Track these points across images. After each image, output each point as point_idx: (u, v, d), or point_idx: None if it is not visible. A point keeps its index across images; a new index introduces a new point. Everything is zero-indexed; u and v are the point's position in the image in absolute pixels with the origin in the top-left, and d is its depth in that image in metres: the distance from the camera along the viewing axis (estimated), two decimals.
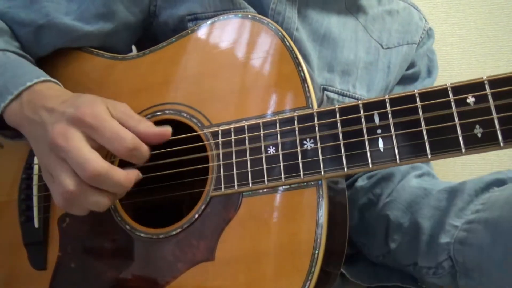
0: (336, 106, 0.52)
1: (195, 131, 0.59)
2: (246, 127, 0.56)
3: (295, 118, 0.54)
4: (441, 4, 1.19)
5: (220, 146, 0.57)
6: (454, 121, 0.47)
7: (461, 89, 0.47)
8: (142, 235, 0.59)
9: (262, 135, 0.55)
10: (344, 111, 0.52)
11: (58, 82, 0.60)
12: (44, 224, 0.65)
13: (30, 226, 0.65)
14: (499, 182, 0.62)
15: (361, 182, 0.78)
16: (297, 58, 0.56)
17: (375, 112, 0.50)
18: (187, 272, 0.56)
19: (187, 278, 0.55)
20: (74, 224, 0.63)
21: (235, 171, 0.55)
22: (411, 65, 0.85)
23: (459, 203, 0.62)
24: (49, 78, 0.59)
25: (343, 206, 0.58)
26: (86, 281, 0.61)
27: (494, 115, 0.45)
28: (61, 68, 0.68)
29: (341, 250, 0.57)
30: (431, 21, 0.89)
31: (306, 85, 0.55)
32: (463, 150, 0.46)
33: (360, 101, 0.51)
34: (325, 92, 0.73)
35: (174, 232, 0.57)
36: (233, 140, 0.56)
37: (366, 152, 0.50)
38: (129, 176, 0.54)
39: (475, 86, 0.46)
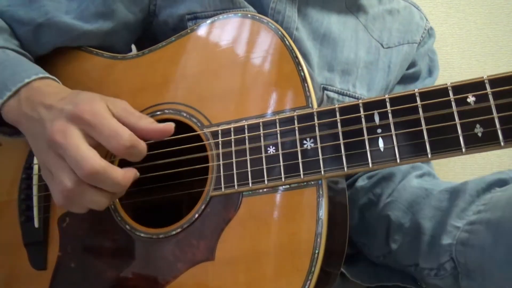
0: (336, 106, 0.52)
1: (195, 131, 0.59)
2: (246, 126, 0.56)
3: (295, 117, 0.54)
4: (441, 4, 1.19)
5: (220, 146, 0.57)
6: (455, 120, 0.47)
7: (461, 88, 0.47)
8: (142, 235, 0.59)
9: (262, 134, 0.55)
10: (344, 110, 0.52)
11: (56, 79, 0.60)
12: (44, 224, 0.65)
13: (30, 226, 0.65)
14: (501, 182, 0.61)
15: (361, 182, 0.78)
16: (297, 57, 0.56)
17: (375, 112, 0.50)
18: (187, 272, 0.56)
19: (187, 278, 0.55)
20: (74, 224, 0.63)
21: (235, 171, 0.55)
22: (412, 64, 0.85)
23: (460, 203, 0.61)
24: (47, 75, 0.59)
25: (343, 206, 0.58)
26: (86, 281, 0.61)
27: (495, 114, 0.45)
28: (60, 68, 0.68)
29: (341, 250, 0.57)
30: (431, 21, 0.88)
31: (306, 84, 0.55)
32: (463, 150, 0.46)
33: (360, 101, 0.51)
34: (325, 92, 0.73)
35: (174, 232, 0.57)
36: (233, 140, 0.56)
37: (366, 151, 0.50)
38: (127, 175, 0.53)
39: (475, 86, 0.46)
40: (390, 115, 0.50)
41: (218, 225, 0.55)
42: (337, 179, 0.57)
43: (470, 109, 0.46)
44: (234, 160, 0.56)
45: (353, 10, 0.78)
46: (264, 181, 0.54)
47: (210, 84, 0.60)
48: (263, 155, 0.54)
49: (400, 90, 0.77)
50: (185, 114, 0.60)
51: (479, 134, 0.46)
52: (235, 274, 0.53)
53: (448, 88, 0.47)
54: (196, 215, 0.56)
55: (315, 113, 0.53)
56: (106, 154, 0.60)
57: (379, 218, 0.71)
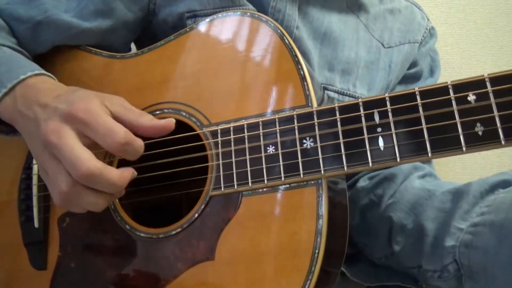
0: (336, 105, 0.52)
1: (194, 130, 0.59)
2: (245, 126, 0.56)
3: (295, 116, 0.54)
4: (441, 4, 1.19)
5: (220, 145, 0.57)
6: (455, 119, 0.46)
7: (462, 86, 0.47)
8: (142, 235, 0.59)
9: (261, 134, 0.55)
10: (344, 109, 0.52)
11: (52, 76, 0.60)
12: (44, 224, 0.65)
13: (30, 226, 0.65)
14: (505, 183, 0.61)
15: (362, 183, 0.77)
16: (296, 56, 0.56)
17: (375, 111, 0.50)
18: (187, 272, 0.55)
19: (187, 277, 0.55)
20: (74, 224, 0.63)
21: (234, 171, 0.55)
22: (413, 64, 0.84)
23: (464, 205, 0.61)
24: (43, 71, 0.59)
25: (343, 206, 0.57)
26: (87, 281, 0.61)
27: (495, 113, 0.45)
28: (59, 66, 0.68)
29: (342, 249, 0.57)
30: (431, 21, 0.88)
31: (305, 83, 0.55)
32: (464, 149, 0.46)
33: (360, 99, 0.51)
34: (325, 92, 0.73)
35: (174, 232, 0.57)
36: (232, 139, 0.56)
37: (366, 150, 0.50)
38: (124, 175, 0.53)
39: (476, 84, 0.46)
40: (390, 114, 0.49)
41: (218, 225, 0.55)
42: (337, 179, 0.57)
43: (471, 108, 0.46)
44: (233, 159, 0.55)
45: (354, 9, 0.77)
46: (263, 180, 0.53)
47: (209, 83, 0.60)
48: (263, 154, 0.54)
49: None
50: (184, 114, 0.60)
51: (480, 133, 0.46)
52: (235, 274, 0.53)
53: (449, 86, 0.47)
54: (196, 215, 0.56)
55: (314, 112, 0.53)
56: (105, 155, 0.60)
57: (381, 219, 0.70)
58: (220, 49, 0.61)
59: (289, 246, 0.52)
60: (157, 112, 0.62)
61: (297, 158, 0.53)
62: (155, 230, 0.58)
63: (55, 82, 0.59)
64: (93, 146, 0.52)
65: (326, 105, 0.53)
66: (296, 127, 0.53)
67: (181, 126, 0.59)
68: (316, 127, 0.52)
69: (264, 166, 0.54)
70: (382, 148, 0.49)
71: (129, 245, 0.59)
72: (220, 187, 0.56)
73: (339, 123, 0.51)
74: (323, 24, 0.73)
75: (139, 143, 0.53)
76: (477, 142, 0.45)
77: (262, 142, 0.55)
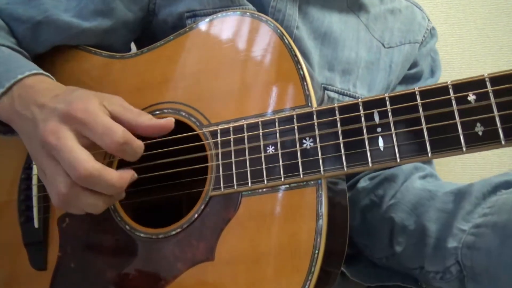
0: (336, 105, 0.52)
1: (194, 130, 0.59)
2: (245, 126, 0.56)
3: (294, 117, 0.54)
4: (441, 4, 1.19)
5: (219, 146, 0.57)
6: (455, 119, 0.46)
7: (462, 86, 0.47)
8: (141, 235, 0.59)
9: (261, 134, 0.55)
10: (343, 109, 0.52)
11: (50, 75, 0.60)
12: (44, 224, 0.65)
13: (30, 226, 0.65)
14: (507, 184, 0.61)
15: (363, 183, 0.77)
16: (296, 56, 0.56)
17: (375, 111, 0.50)
18: (186, 272, 0.55)
19: (187, 278, 0.55)
20: (74, 224, 0.63)
21: (234, 171, 0.55)
22: (414, 64, 0.84)
23: (466, 206, 0.61)
24: (41, 71, 0.59)
25: (343, 206, 0.57)
26: (86, 281, 0.61)
27: (496, 113, 0.45)
28: (59, 67, 0.68)
29: (342, 250, 0.57)
30: (431, 21, 0.88)
31: (305, 83, 0.55)
32: (464, 149, 0.46)
33: (359, 99, 0.51)
34: (325, 92, 0.73)
35: (173, 232, 0.57)
36: (232, 140, 0.56)
37: (366, 151, 0.50)
38: (123, 176, 0.52)
39: (476, 84, 0.46)
40: (390, 114, 0.49)
41: (217, 225, 0.55)
42: (337, 179, 0.57)
43: (471, 108, 0.46)
44: (233, 159, 0.55)
45: (355, 9, 0.77)
46: (263, 180, 0.53)
47: (209, 83, 0.60)
48: (262, 154, 0.54)
49: None
50: (184, 114, 0.60)
51: (480, 133, 0.45)
52: (235, 274, 0.53)
53: (449, 86, 0.47)
54: (196, 215, 0.56)
55: (314, 112, 0.53)
56: (105, 155, 0.60)
57: (382, 220, 0.70)
58: (220, 49, 0.61)
59: (289, 246, 0.51)
60: (157, 112, 0.62)
61: (297, 158, 0.52)
62: (155, 230, 0.58)
63: (53, 82, 0.59)
64: (92, 146, 0.52)
65: (325, 105, 0.53)
66: (295, 127, 0.53)
67: (181, 126, 0.59)
68: (316, 127, 0.52)
69: (263, 166, 0.54)
70: (382, 148, 0.49)
71: (129, 246, 0.59)
72: (220, 187, 0.55)
73: (339, 123, 0.51)
74: (323, 24, 0.73)
75: (138, 144, 0.53)
76: (477, 142, 0.45)
77: (261, 142, 0.54)
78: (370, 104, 0.50)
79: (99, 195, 0.52)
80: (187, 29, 0.64)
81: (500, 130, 0.45)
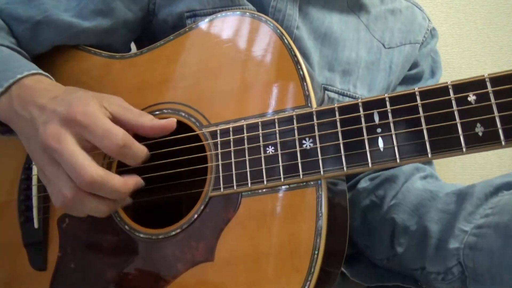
0: (336, 105, 0.52)
1: (194, 131, 0.59)
2: (244, 126, 0.56)
3: (294, 117, 0.54)
4: (441, 4, 1.19)
5: (219, 146, 0.57)
6: (455, 119, 0.46)
7: (462, 87, 0.47)
8: (141, 235, 0.59)
9: (260, 134, 0.55)
10: (343, 110, 0.52)
11: (49, 75, 0.60)
12: (44, 224, 0.65)
13: (29, 226, 0.65)
14: (509, 185, 0.60)
15: (363, 184, 0.77)
16: (295, 56, 0.56)
17: (375, 111, 0.50)
18: (186, 273, 0.55)
19: (187, 278, 0.55)
20: (74, 225, 0.63)
21: (234, 171, 0.55)
22: (414, 65, 0.84)
23: (468, 207, 0.61)
24: (40, 71, 0.59)
25: (343, 206, 0.57)
26: (86, 282, 0.61)
27: (496, 113, 0.45)
28: (58, 67, 0.68)
29: (341, 250, 0.57)
30: (431, 22, 0.88)
31: (305, 83, 0.55)
32: (464, 149, 0.46)
33: (359, 100, 0.51)
34: (326, 92, 0.73)
35: (173, 233, 0.57)
36: (231, 140, 0.56)
37: (365, 151, 0.50)
38: (127, 183, 0.53)
39: (476, 84, 0.46)
40: (389, 115, 0.49)
41: (217, 226, 0.55)
42: (337, 180, 0.57)
43: (471, 108, 0.46)
44: (233, 160, 0.55)
45: (355, 9, 0.77)
46: (263, 181, 0.53)
47: (209, 83, 0.60)
48: (262, 155, 0.54)
49: None
50: (183, 114, 0.60)
51: (480, 134, 0.45)
52: (235, 274, 0.53)
53: (449, 86, 0.47)
54: (196, 216, 0.56)
55: (314, 113, 0.53)
56: (104, 156, 0.60)
57: (383, 220, 0.70)
58: (220, 49, 0.60)
59: (288, 246, 0.52)
60: (157, 112, 0.62)
61: (297, 159, 0.52)
62: (155, 231, 0.58)
63: (52, 82, 0.59)
64: (93, 149, 0.52)
65: (325, 106, 0.53)
66: (295, 128, 0.53)
67: (181, 126, 0.59)
68: (316, 128, 0.52)
69: (263, 167, 0.54)
70: (381, 149, 0.49)
71: (128, 246, 0.59)
72: (220, 188, 0.55)
73: (338, 124, 0.51)
74: (323, 24, 0.73)
75: (138, 147, 0.53)
76: (477, 143, 0.45)
77: (261, 143, 0.54)
78: (370, 105, 0.50)
79: (103, 199, 0.53)
80: (187, 29, 0.64)
81: (500, 131, 0.45)
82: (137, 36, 0.75)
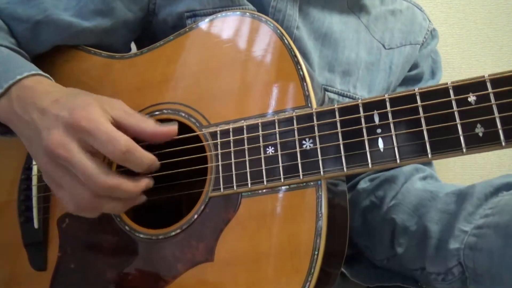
0: (336, 106, 0.52)
1: (194, 131, 0.59)
2: (244, 127, 0.56)
3: (294, 117, 0.54)
4: (441, 4, 1.19)
5: (219, 147, 0.57)
6: (455, 120, 0.46)
7: (462, 87, 0.47)
8: (141, 235, 0.59)
9: (260, 135, 0.55)
10: (343, 110, 0.52)
11: (49, 76, 0.59)
12: (44, 224, 0.65)
13: (29, 226, 0.65)
14: (508, 186, 0.61)
15: (363, 184, 0.77)
16: (295, 56, 0.56)
17: (375, 112, 0.50)
18: (186, 273, 0.55)
19: (187, 278, 0.55)
20: (74, 225, 0.63)
21: (233, 172, 0.55)
22: (415, 66, 0.84)
23: (468, 207, 0.61)
24: (40, 72, 0.58)
25: (343, 207, 0.57)
26: (86, 282, 0.61)
27: (496, 114, 0.45)
28: (58, 67, 0.68)
29: (341, 250, 0.57)
30: (432, 22, 0.88)
31: (305, 84, 0.55)
32: (464, 150, 0.46)
33: (359, 101, 0.51)
34: (326, 93, 0.73)
35: (173, 233, 0.57)
36: (231, 141, 0.56)
37: (365, 152, 0.50)
38: (138, 184, 0.54)
39: (476, 85, 0.46)
40: (390, 115, 0.49)
41: (217, 226, 0.55)
42: (337, 180, 0.57)
43: (471, 109, 0.46)
44: (233, 160, 0.55)
45: (355, 10, 0.77)
46: (263, 181, 0.53)
47: (209, 83, 0.60)
48: (262, 155, 0.54)
49: None
50: (183, 114, 0.60)
51: (480, 134, 0.45)
52: (235, 275, 0.53)
53: (449, 87, 0.47)
54: (195, 216, 0.56)
55: (314, 113, 0.53)
56: (104, 157, 0.60)
57: (383, 221, 0.70)
58: (220, 49, 0.60)
59: (288, 247, 0.52)
60: (157, 112, 0.62)
61: (297, 160, 0.52)
62: (155, 231, 0.58)
63: (52, 83, 0.59)
64: (97, 153, 0.52)
65: (325, 106, 0.53)
66: (295, 128, 0.53)
67: (181, 127, 0.59)
68: (316, 128, 0.52)
69: (263, 167, 0.54)
70: (382, 150, 0.49)
71: (128, 246, 0.59)
72: (220, 188, 0.55)
73: (338, 124, 0.51)
74: (323, 24, 0.73)
75: (142, 153, 0.53)
76: (477, 144, 0.45)
77: (261, 143, 0.54)
78: (370, 105, 0.50)
79: (118, 199, 0.54)
80: (187, 29, 0.64)
81: (500, 132, 0.45)
82: (137, 36, 0.75)
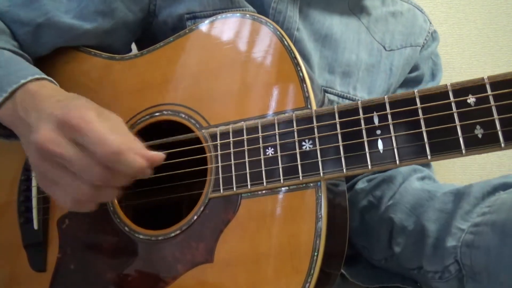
0: (335, 107, 0.52)
1: (193, 132, 0.59)
2: (244, 128, 0.56)
3: (294, 119, 0.54)
4: (441, 4, 1.19)
5: (219, 148, 0.57)
6: (455, 122, 0.46)
7: (461, 89, 0.47)
8: (141, 236, 0.59)
9: (260, 136, 0.55)
10: (343, 112, 0.52)
11: (53, 80, 0.59)
12: (44, 225, 0.65)
13: (29, 227, 0.65)
14: (506, 186, 0.61)
15: (361, 185, 0.77)
16: (295, 57, 0.56)
17: (375, 113, 0.50)
18: (186, 274, 0.55)
19: (187, 279, 0.55)
20: (74, 226, 0.63)
21: (233, 173, 0.55)
22: (415, 68, 0.84)
23: (465, 205, 0.61)
24: (44, 76, 0.58)
25: (343, 208, 0.57)
26: (86, 283, 0.61)
27: (495, 116, 0.45)
28: (59, 68, 0.68)
29: (341, 251, 0.57)
30: (432, 23, 0.88)
31: (304, 85, 0.55)
32: (463, 151, 0.46)
33: (359, 102, 0.51)
34: (326, 94, 0.73)
35: (173, 234, 0.57)
36: (231, 142, 0.56)
37: (365, 153, 0.50)
38: (152, 156, 0.51)
39: (475, 87, 0.46)
40: (389, 117, 0.49)
41: (217, 227, 0.55)
42: (336, 181, 0.57)
43: (470, 110, 0.46)
44: (232, 162, 0.55)
45: (356, 11, 0.77)
46: (263, 183, 0.53)
47: (209, 84, 0.60)
48: (262, 157, 0.54)
49: None
50: (183, 115, 0.60)
51: (479, 136, 0.45)
52: (234, 275, 0.53)
53: (448, 89, 0.47)
54: (195, 217, 0.56)
55: (314, 115, 0.53)
56: None
57: (381, 221, 0.70)
58: (220, 50, 0.60)
59: (288, 247, 0.52)
60: (157, 113, 0.62)
61: (296, 161, 0.52)
62: (154, 232, 0.58)
63: (55, 87, 0.58)
64: None
65: (325, 108, 0.53)
66: (295, 130, 0.53)
67: (181, 128, 0.59)
68: (315, 130, 0.52)
69: (263, 168, 0.54)
70: (381, 151, 0.49)
71: (128, 247, 0.59)
72: (219, 189, 0.55)
73: (338, 126, 0.51)
74: (324, 26, 0.73)
75: (134, 157, 0.49)
76: (476, 145, 0.46)
77: (261, 145, 0.54)
78: (369, 107, 0.50)
79: (114, 186, 0.52)
80: (187, 31, 0.64)
81: (499, 133, 0.45)
82: (137, 38, 0.75)
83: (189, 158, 0.58)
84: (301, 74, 0.55)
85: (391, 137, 0.49)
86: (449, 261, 0.60)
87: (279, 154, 0.53)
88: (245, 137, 0.55)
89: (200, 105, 0.59)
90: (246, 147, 0.55)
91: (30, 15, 0.65)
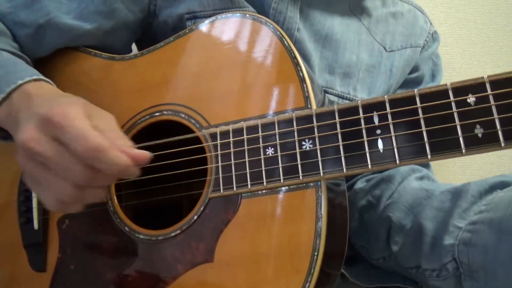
0: (335, 107, 0.52)
1: (193, 132, 0.59)
2: (244, 128, 0.56)
3: (294, 118, 0.54)
4: (441, 4, 1.19)
5: (219, 148, 0.57)
6: (455, 121, 0.46)
7: (461, 89, 0.47)
8: (141, 236, 0.59)
9: (260, 136, 0.55)
10: (343, 111, 0.52)
11: (51, 81, 0.59)
12: (44, 225, 0.65)
13: (29, 227, 0.65)
14: (503, 184, 0.61)
15: (360, 184, 0.77)
16: (295, 58, 0.56)
17: (374, 113, 0.50)
18: (186, 274, 0.55)
19: (187, 279, 0.55)
20: (74, 226, 0.63)
21: (233, 173, 0.55)
22: (415, 68, 0.84)
23: (462, 204, 0.61)
24: (41, 77, 0.58)
25: (343, 207, 0.58)
26: (86, 283, 0.61)
27: (495, 115, 0.45)
28: (59, 69, 0.68)
29: (341, 250, 0.57)
30: (432, 23, 0.88)
31: (304, 85, 0.55)
32: (463, 151, 0.46)
33: (359, 102, 0.51)
34: (326, 95, 0.73)
35: (173, 234, 0.57)
36: (231, 141, 0.56)
37: (365, 153, 0.50)
38: (140, 155, 0.50)
39: (475, 86, 0.46)
40: (389, 116, 0.49)
41: (217, 227, 0.55)
42: (337, 181, 0.57)
43: (470, 110, 0.46)
44: (232, 161, 0.55)
45: (357, 12, 0.77)
46: (263, 182, 0.53)
47: (209, 84, 0.60)
48: (262, 156, 0.54)
49: None
50: (183, 115, 0.60)
51: (479, 135, 0.45)
52: (234, 275, 0.53)
53: (448, 88, 0.47)
54: (195, 217, 0.56)
55: (314, 114, 0.53)
56: None
57: (379, 220, 0.71)
58: (220, 50, 0.61)
59: (288, 247, 0.52)
60: (157, 113, 0.62)
61: (296, 160, 0.52)
62: (155, 232, 0.58)
63: (53, 88, 0.58)
64: None
65: (325, 107, 0.53)
66: (295, 129, 0.53)
67: (181, 128, 0.59)
68: (315, 129, 0.52)
69: (263, 168, 0.54)
70: (381, 151, 0.49)
71: (128, 247, 0.59)
72: (219, 189, 0.56)
73: (338, 125, 0.51)
74: (324, 26, 0.73)
75: (116, 154, 0.48)
76: (476, 145, 0.46)
77: (261, 144, 0.54)
78: (369, 106, 0.50)
79: (101, 188, 0.52)
80: (187, 31, 0.64)
81: (499, 133, 0.45)
82: (137, 37, 0.75)
83: (189, 158, 0.58)
84: (301, 74, 0.55)
85: (391, 136, 0.49)
86: (446, 259, 0.60)
87: (279, 153, 0.53)
88: (245, 136, 0.55)
89: (200, 105, 0.59)
90: (246, 147, 0.55)
91: (31, 17, 0.65)
